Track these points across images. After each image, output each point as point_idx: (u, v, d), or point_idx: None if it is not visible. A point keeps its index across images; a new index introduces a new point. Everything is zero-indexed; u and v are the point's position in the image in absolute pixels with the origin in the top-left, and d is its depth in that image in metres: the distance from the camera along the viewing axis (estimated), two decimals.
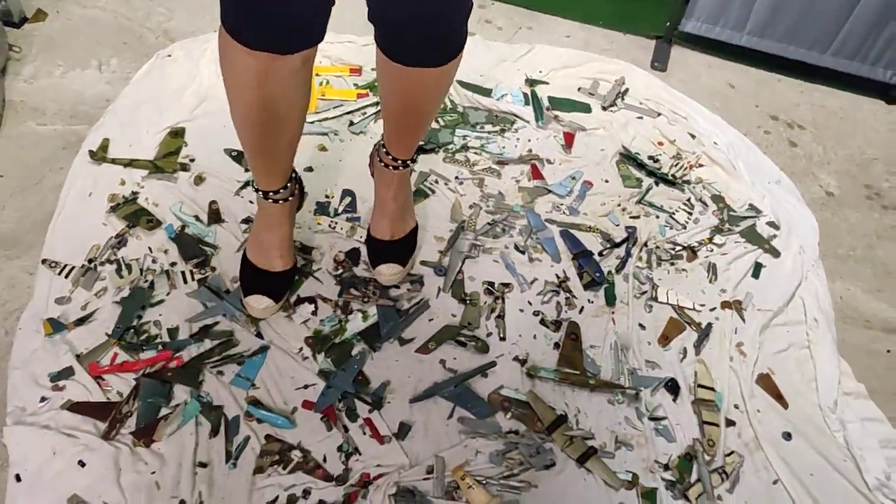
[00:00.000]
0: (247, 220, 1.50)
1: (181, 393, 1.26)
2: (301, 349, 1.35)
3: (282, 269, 1.38)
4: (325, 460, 1.22)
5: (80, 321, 1.32)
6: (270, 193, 1.30)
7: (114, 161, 1.54)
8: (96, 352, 1.28)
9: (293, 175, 1.35)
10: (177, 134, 1.62)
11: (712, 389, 1.40)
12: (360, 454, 1.24)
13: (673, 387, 1.39)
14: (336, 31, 1.89)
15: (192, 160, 1.58)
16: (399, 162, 1.36)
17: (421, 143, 1.69)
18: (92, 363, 1.27)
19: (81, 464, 1.16)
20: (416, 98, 1.24)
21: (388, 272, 1.43)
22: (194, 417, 1.24)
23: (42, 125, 1.61)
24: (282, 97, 1.12)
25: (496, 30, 2.08)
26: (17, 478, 1.14)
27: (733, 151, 1.82)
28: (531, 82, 1.89)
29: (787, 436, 1.37)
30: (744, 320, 1.52)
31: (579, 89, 1.91)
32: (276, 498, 1.17)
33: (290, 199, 1.34)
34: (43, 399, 1.22)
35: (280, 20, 1.01)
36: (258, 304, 1.35)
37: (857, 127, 2.00)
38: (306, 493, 1.19)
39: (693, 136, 1.85)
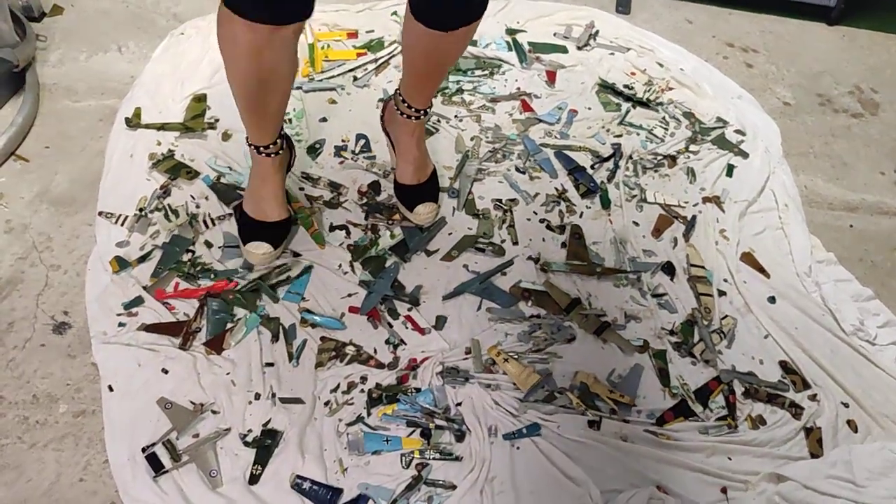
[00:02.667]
0: None
1: (240, 311, 1.42)
2: (340, 265, 1.51)
3: (277, 219, 1.48)
4: (375, 352, 1.39)
5: (142, 259, 1.47)
6: (262, 148, 1.42)
7: (147, 126, 1.70)
8: (160, 282, 1.44)
9: (282, 133, 1.47)
10: (200, 99, 1.78)
11: (703, 268, 1.59)
12: (405, 344, 1.41)
13: (669, 268, 1.58)
14: (328, 1, 2.08)
15: (217, 120, 1.74)
16: (421, 111, 1.51)
17: None
18: (158, 289, 1.43)
19: (164, 371, 1.32)
20: (445, 56, 1.41)
21: (424, 211, 1.56)
22: (256, 327, 1.40)
23: (77, 102, 1.76)
24: (275, 66, 1.26)
25: None
26: (110, 388, 1.29)
27: (698, 75, 2.03)
28: (511, 31, 2.08)
29: (772, 299, 1.57)
30: (723, 211, 1.71)
31: (555, 34, 2.10)
32: (338, 385, 1.34)
33: (279, 153, 1.45)
34: (121, 325, 1.37)
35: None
36: (257, 249, 1.45)
37: (805, 47, 2.23)
38: (364, 378, 1.35)
39: (661, 65, 2.05)
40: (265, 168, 1.46)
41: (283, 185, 1.53)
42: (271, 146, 1.43)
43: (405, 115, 1.52)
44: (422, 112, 1.51)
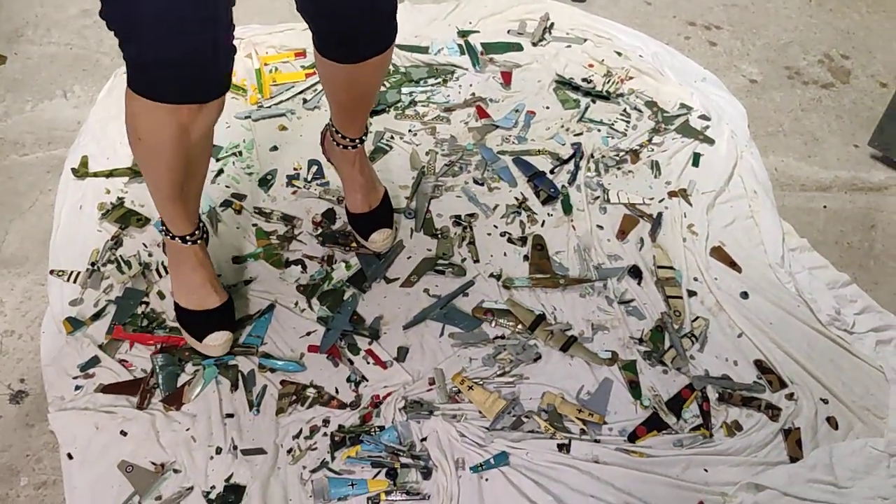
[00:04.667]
0: (226, 203, 1.63)
1: (191, 364, 1.39)
2: (297, 302, 1.48)
3: (219, 304, 1.39)
4: (337, 392, 1.36)
5: (96, 316, 1.45)
6: (188, 237, 1.33)
7: (95, 174, 1.67)
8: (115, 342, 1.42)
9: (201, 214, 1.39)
10: None
11: (671, 268, 1.55)
12: (367, 381, 1.38)
13: (636, 272, 1.54)
14: (272, 21, 2.03)
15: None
16: (356, 140, 1.47)
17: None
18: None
19: (123, 433, 1.30)
20: (364, 86, 1.36)
21: (379, 238, 1.52)
22: (214, 378, 1.38)
23: (24, 155, 1.74)
24: (203, 145, 1.19)
25: None
26: (69, 456, 1.27)
27: (658, 60, 1.97)
28: (463, 33, 2.03)
29: (745, 295, 1.52)
30: (690, 204, 1.67)
31: (508, 31, 2.05)
32: (300, 431, 1.32)
33: (204, 236, 1.38)
34: (77, 388, 1.35)
35: (198, 71, 1.06)
36: (217, 341, 1.36)
37: (770, 17, 2.15)
38: (325, 422, 1.33)
39: (619, 54, 1.99)
40: (194, 256, 1.37)
41: (213, 267, 1.43)
42: (196, 231, 1.35)
43: (342, 147, 1.48)
44: (357, 140, 1.47)
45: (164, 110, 1.09)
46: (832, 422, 1.35)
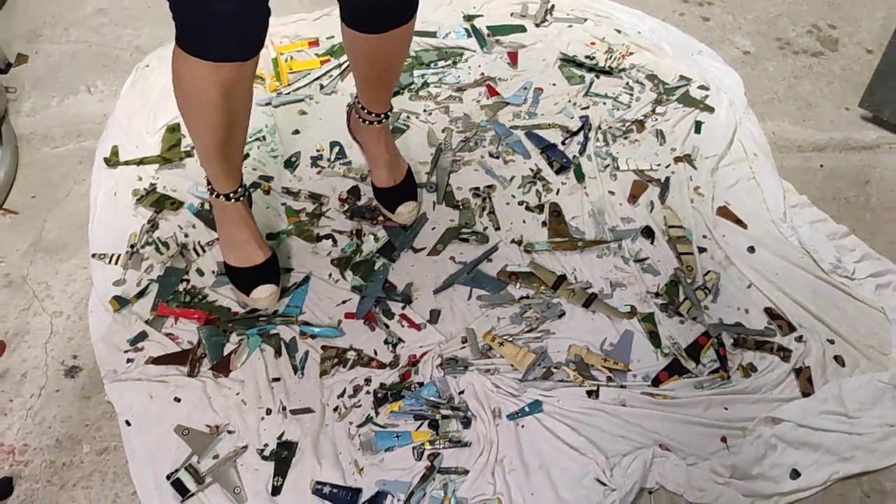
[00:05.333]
0: (255, 185, 1.70)
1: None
2: (330, 274, 1.56)
3: (264, 259, 1.47)
4: (375, 354, 1.45)
5: (140, 294, 1.52)
6: (231, 195, 1.42)
7: (126, 163, 1.74)
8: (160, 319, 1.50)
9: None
10: (173, 129, 1.82)
11: (681, 227, 1.64)
12: (403, 342, 1.46)
13: (648, 232, 1.63)
14: (284, 13, 2.11)
15: (193, 147, 1.78)
16: (382, 115, 1.54)
17: None
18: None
19: (177, 400, 1.37)
20: (389, 57, 1.44)
21: (405, 211, 1.60)
22: (258, 346, 1.45)
23: (55, 148, 1.80)
24: (244, 102, 1.29)
25: None
26: (127, 423, 1.35)
27: (656, 36, 2.06)
28: (468, 17, 2.11)
29: (751, 249, 1.61)
30: (695, 168, 1.76)
31: (512, 14, 2.13)
32: (344, 390, 1.40)
33: (246, 193, 1.47)
34: (129, 361, 1.43)
35: (243, 26, 1.16)
36: (264, 293, 1.45)
37: None
38: (367, 381, 1.41)
39: (619, 31, 2.08)
40: (238, 214, 1.46)
41: (256, 224, 1.51)
42: (240, 189, 1.44)
43: (367, 122, 1.55)
44: (382, 115, 1.54)
45: (209, 68, 1.17)
46: (839, 360, 1.44)
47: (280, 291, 1.49)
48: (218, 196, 1.43)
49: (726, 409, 1.37)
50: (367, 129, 1.58)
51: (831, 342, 1.47)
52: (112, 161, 1.74)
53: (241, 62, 1.20)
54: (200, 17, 1.15)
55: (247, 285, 1.47)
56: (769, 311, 1.51)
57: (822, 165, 1.79)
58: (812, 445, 1.31)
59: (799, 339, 1.47)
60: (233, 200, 1.44)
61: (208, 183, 1.43)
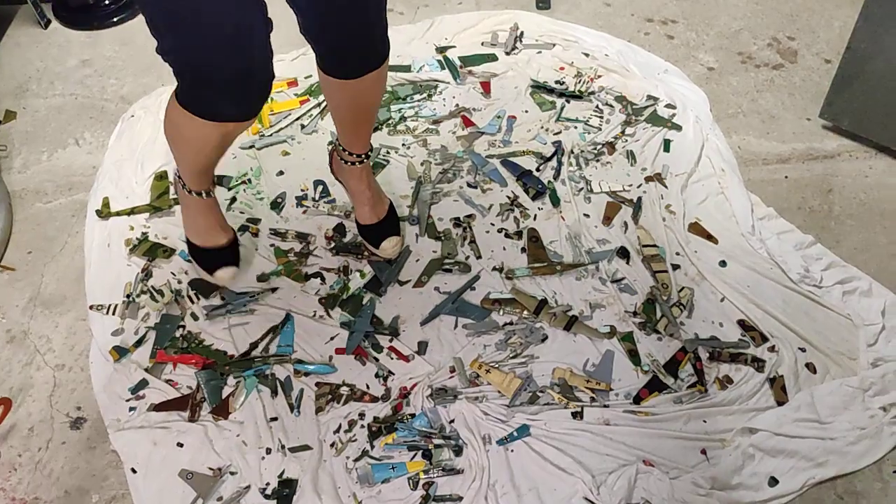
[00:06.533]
0: (243, 228, 1.77)
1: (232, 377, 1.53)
2: (315, 312, 1.62)
3: (227, 241, 1.63)
4: (368, 388, 1.50)
5: (138, 343, 1.58)
6: (202, 192, 1.55)
7: (118, 213, 1.80)
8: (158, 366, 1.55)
9: None
10: (161, 177, 1.88)
11: (655, 246, 1.70)
12: (393, 374, 1.52)
13: (623, 253, 1.70)
14: None
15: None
16: (362, 156, 1.61)
17: None
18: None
19: (180, 445, 1.43)
20: (366, 100, 1.50)
21: (389, 246, 1.66)
22: (255, 387, 1.51)
23: (48, 203, 1.86)
24: (232, 143, 1.37)
25: (399, 15, 2.36)
26: (133, 470, 1.40)
27: (622, 57, 2.13)
28: (441, 49, 2.18)
29: (723, 263, 1.68)
30: (666, 187, 1.83)
31: (482, 44, 2.20)
32: (340, 426, 1.45)
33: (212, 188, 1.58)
34: (131, 409, 1.48)
35: (251, 89, 1.23)
36: (227, 274, 1.60)
37: (720, 7, 2.33)
38: (361, 415, 1.47)
39: (587, 55, 2.15)
40: (204, 204, 1.58)
41: (218, 205, 1.63)
42: (210, 187, 1.56)
43: (348, 163, 1.62)
44: (363, 156, 1.61)
45: (208, 125, 1.25)
46: (811, 367, 1.51)
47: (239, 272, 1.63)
48: (189, 191, 1.54)
49: (705, 421, 1.43)
50: (349, 170, 1.64)
51: (802, 350, 1.53)
52: (104, 212, 1.80)
53: (243, 121, 1.28)
54: (209, 83, 1.21)
55: (209, 265, 1.61)
56: (742, 323, 1.58)
57: (786, 177, 1.86)
58: (788, 452, 1.38)
59: (771, 349, 1.53)
60: (202, 196, 1.55)
61: (178, 173, 1.53)
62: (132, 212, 1.80)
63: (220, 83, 1.21)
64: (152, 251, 1.73)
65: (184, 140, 1.36)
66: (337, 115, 1.56)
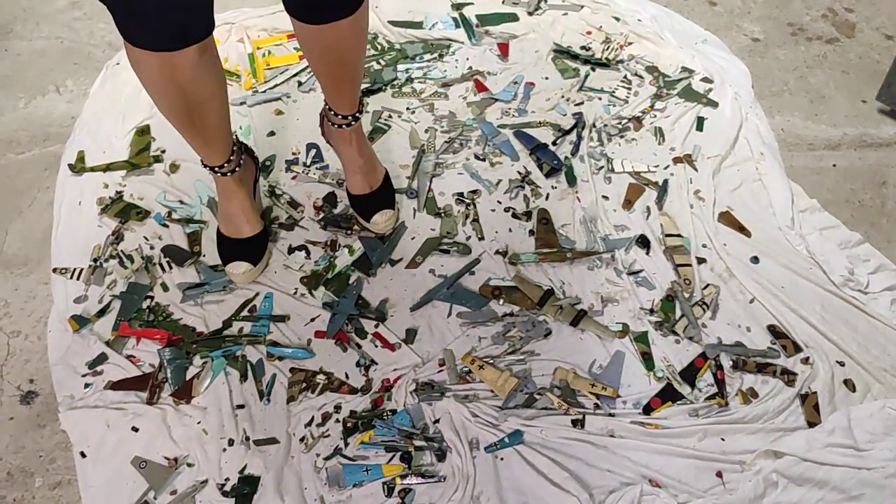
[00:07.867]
0: None
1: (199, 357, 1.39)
2: (296, 290, 1.47)
3: (250, 234, 1.47)
4: (347, 377, 1.36)
5: (101, 312, 1.44)
6: (216, 168, 1.41)
7: (92, 169, 1.65)
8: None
9: (235, 148, 1.43)
10: (143, 132, 1.73)
11: (679, 236, 1.52)
12: (376, 364, 1.37)
13: (643, 242, 1.52)
14: (263, 4, 2.00)
15: (164, 151, 1.69)
16: (349, 118, 1.45)
17: (367, 85, 1.79)
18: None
19: (135, 429, 1.30)
20: (340, 51, 1.32)
21: (381, 220, 1.51)
22: (223, 369, 1.37)
23: (20, 154, 1.72)
24: (193, 86, 1.23)
25: None
26: (83, 454, 1.28)
27: (657, 24, 1.93)
28: (457, 6, 1.99)
29: (755, 259, 1.50)
30: (696, 170, 1.64)
31: (503, 1, 2.01)
32: (312, 418, 1.31)
33: (236, 170, 1.42)
34: (87, 385, 1.35)
35: (164, 23, 1.12)
36: (237, 269, 1.46)
37: None
38: (337, 408, 1.32)
39: (617, 19, 1.95)
40: (227, 186, 1.45)
41: (251, 198, 1.50)
42: (226, 164, 1.41)
43: (337, 126, 1.46)
44: (351, 118, 1.44)
45: (144, 54, 1.16)
46: (849, 384, 1.33)
47: (260, 272, 1.49)
48: (205, 166, 1.43)
49: (723, 440, 1.26)
50: (338, 133, 1.48)
51: (841, 364, 1.35)
52: (78, 167, 1.66)
53: (171, 52, 1.14)
54: (128, 5, 1.11)
55: (224, 254, 1.48)
56: (773, 329, 1.40)
57: (834, 165, 1.66)
58: (817, 482, 1.20)
59: (805, 360, 1.35)
60: (219, 174, 1.42)
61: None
62: (108, 168, 1.66)
63: (142, 4, 1.10)
64: (125, 212, 1.58)
65: (146, 85, 1.24)
66: (314, 70, 1.40)
